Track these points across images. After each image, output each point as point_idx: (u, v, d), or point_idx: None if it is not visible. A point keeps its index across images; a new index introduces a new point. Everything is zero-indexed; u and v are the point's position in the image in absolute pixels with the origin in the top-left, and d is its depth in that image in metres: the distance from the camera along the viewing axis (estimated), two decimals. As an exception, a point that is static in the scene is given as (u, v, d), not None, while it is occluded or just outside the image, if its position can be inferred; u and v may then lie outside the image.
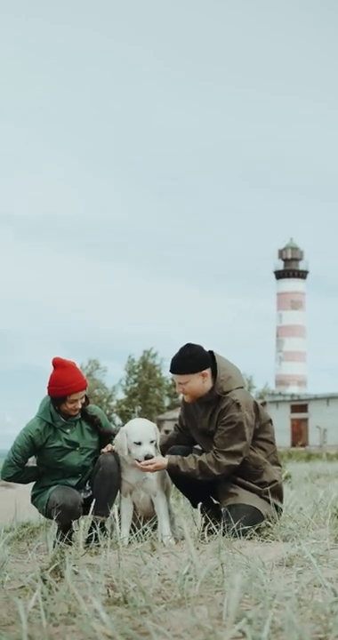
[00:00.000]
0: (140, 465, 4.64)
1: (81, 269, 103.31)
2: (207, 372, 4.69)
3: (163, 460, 4.67)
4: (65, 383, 4.76)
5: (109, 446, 4.90)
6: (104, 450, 4.89)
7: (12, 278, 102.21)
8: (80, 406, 4.85)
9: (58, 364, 4.83)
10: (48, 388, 4.84)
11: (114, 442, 4.81)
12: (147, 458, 4.62)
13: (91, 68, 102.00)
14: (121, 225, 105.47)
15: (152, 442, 4.69)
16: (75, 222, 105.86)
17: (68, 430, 4.86)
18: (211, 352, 4.78)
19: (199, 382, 4.68)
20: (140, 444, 4.66)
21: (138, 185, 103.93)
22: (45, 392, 4.91)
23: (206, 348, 4.79)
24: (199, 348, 4.72)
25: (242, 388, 4.74)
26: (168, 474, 4.81)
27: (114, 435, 4.98)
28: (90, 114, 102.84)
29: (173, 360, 4.73)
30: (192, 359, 4.66)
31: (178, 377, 4.72)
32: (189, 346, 4.73)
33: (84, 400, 4.88)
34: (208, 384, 4.70)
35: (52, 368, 4.86)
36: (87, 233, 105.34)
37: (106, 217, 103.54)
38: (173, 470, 4.67)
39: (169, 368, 4.80)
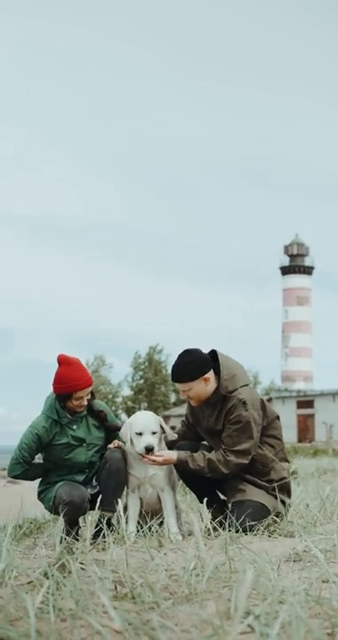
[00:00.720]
0: (148, 458, 4.64)
1: (84, 268, 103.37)
2: (209, 375, 4.67)
3: (172, 455, 4.66)
4: (70, 380, 4.76)
5: (116, 442, 4.91)
6: (111, 445, 4.89)
7: (17, 277, 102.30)
8: (86, 403, 4.85)
9: (63, 361, 4.82)
10: (53, 385, 4.84)
11: (120, 434, 4.82)
12: (147, 449, 4.63)
13: (91, 68, 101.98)
14: (121, 225, 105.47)
15: (154, 433, 4.69)
16: (75, 222, 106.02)
17: (74, 427, 4.86)
18: (213, 351, 4.76)
19: (202, 387, 4.67)
20: (140, 434, 4.67)
21: (138, 185, 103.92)
22: (51, 389, 4.91)
23: (209, 347, 4.78)
24: (198, 353, 4.69)
25: (247, 385, 4.73)
26: (176, 469, 4.81)
27: (120, 429, 4.98)
28: (90, 114, 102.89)
29: (173, 369, 4.73)
30: (191, 365, 4.65)
31: (180, 385, 4.73)
32: (187, 352, 4.70)
33: (89, 396, 4.88)
34: (211, 386, 4.69)
35: (57, 365, 4.85)
36: (88, 233, 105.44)
37: (106, 217, 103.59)
38: (181, 466, 4.66)
39: (171, 377, 4.82)
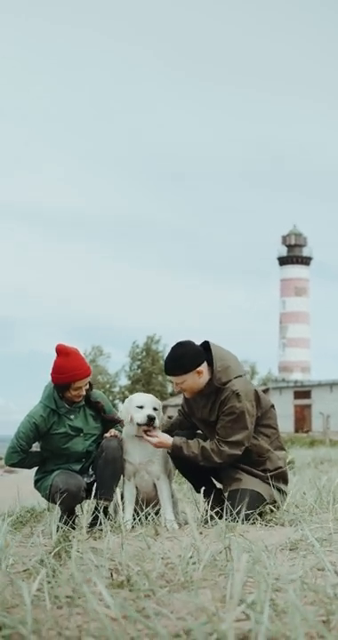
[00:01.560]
0: (146, 435, 4.66)
1: (83, 260, 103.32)
2: (202, 367, 4.67)
3: (168, 438, 4.67)
4: (69, 370, 4.76)
5: (112, 431, 4.91)
6: (107, 434, 4.90)
7: (16, 268, 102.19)
8: (84, 393, 4.85)
9: (61, 351, 4.82)
10: (52, 375, 4.84)
11: (119, 410, 4.84)
12: (150, 417, 4.66)
13: (91, 68, 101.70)
14: (121, 219, 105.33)
15: (155, 410, 4.73)
16: (76, 217, 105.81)
17: (72, 416, 4.87)
18: (206, 342, 4.76)
19: (195, 379, 4.67)
20: (142, 407, 4.71)
21: (143, 179, 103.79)
22: (49, 379, 4.91)
23: (207, 338, 4.77)
24: (191, 346, 4.68)
25: (241, 376, 4.71)
26: (171, 456, 4.82)
27: (117, 421, 4.99)
28: (90, 114, 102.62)
29: (166, 362, 4.73)
30: (184, 359, 4.64)
31: (173, 378, 4.73)
32: (179, 345, 4.70)
33: (87, 387, 4.88)
34: (205, 378, 4.69)
35: (55, 355, 4.85)
36: (88, 227, 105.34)
37: (106, 214, 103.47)
38: (176, 451, 4.68)
39: (164, 369, 4.82)
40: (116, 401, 69.55)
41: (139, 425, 4.71)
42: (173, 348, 4.70)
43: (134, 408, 4.73)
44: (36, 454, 4.99)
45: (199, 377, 4.67)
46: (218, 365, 4.66)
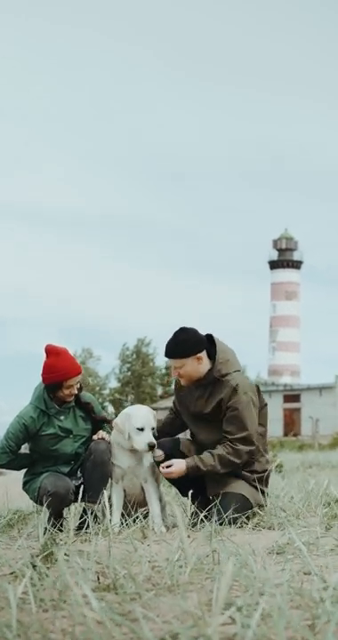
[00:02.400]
0: (164, 471, 4.62)
1: (75, 260, 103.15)
2: (202, 355, 4.67)
3: (181, 464, 4.61)
4: (60, 369, 4.76)
5: (101, 433, 4.90)
6: (95, 436, 4.89)
7: (6, 269, 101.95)
8: (76, 392, 4.85)
9: (51, 351, 4.82)
10: (43, 375, 4.83)
11: (114, 423, 4.80)
12: (150, 446, 4.61)
13: (91, 68, 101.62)
14: (115, 219, 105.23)
15: (153, 429, 4.69)
16: (72, 217, 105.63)
17: (61, 417, 4.86)
18: (209, 335, 4.78)
19: (194, 365, 4.66)
20: (142, 429, 4.63)
21: (136, 180, 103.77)
22: (39, 379, 4.90)
23: (204, 332, 4.79)
24: (193, 332, 4.70)
25: (239, 371, 4.74)
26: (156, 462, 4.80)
27: (107, 421, 4.98)
28: (90, 114, 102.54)
29: (167, 344, 4.71)
30: (186, 343, 4.65)
31: (173, 361, 4.71)
32: (182, 330, 4.71)
33: (79, 386, 4.88)
34: (204, 367, 4.69)
35: (44, 356, 4.85)
36: (81, 227, 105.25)
37: (103, 213, 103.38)
38: (193, 472, 4.60)
39: (164, 353, 4.78)
40: (106, 403, 69.46)
41: (137, 449, 4.66)
42: (176, 333, 4.70)
43: (134, 430, 4.64)
44: (26, 456, 4.98)
45: (199, 364, 4.66)
46: (220, 357, 4.67)
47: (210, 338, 4.77)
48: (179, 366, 4.68)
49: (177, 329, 4.73)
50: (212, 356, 4.72)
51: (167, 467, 4.62)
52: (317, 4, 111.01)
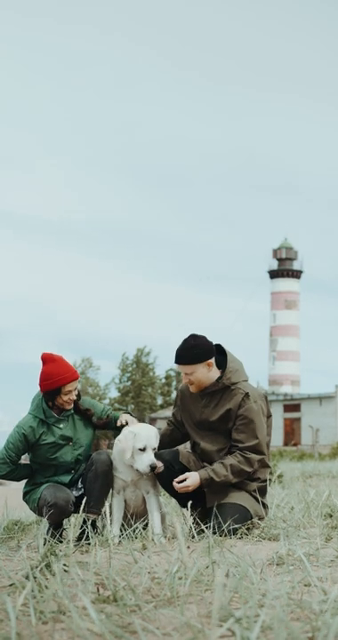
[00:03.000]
0: (177, 487, 4.58)
1: (75, 269, 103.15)
2: (212, 361, 4.70)
3: (195, 478, 4.59)
4: (58, 375, 4.77)
5: (124, 416, 4.93)
6: (121, 420, 4.90)
7: (4, 277, 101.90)
8: (74, 397, 4.85)
9: (47, 359, 4.84)
10: (40, 384, 4.84)
11: (116, 441, 4.77)
12: (152, 467, 4.59)
13: (91, 71, 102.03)
14: (110, 227, 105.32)
15: (154, 449, 4.68)
16: (74, 224, 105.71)
17: (61, 425, 4.86)
18: (218, 345, 4.80)
19: (205, 372, 4.68)
20: (144, 449, 4.62)
21: (136, 188, 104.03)
22: (36, 389, 4.91)
23: (213, 342, 4.81)
24: (203, 339, 4.73)
25: (246, 381, 4.78)
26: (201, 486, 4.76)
27: (107, 424, 4.97)
28: (91, 119, 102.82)
29: (177, 351, 4.72)
30: (197, 349, 4.67)
31: (183, 367, 4.71)
32: (193, 336, 4.73)
33: (77, 392, 4.88)
34: (213, 374, 4.71)
35: (41, 364, 4.86)
36: (86, 234, 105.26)
37: (97, 218, 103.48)
38: (207, 484, 4.60)
39: (174, 359, 4.77)
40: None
41: (139, 471, 4.65)
42: (186, 339, 4.72)
43: (136, 450, 4.62)
44: (25, 466, 4.98)
45: (209, 370, 4.68)
46: (230, 366, 4.72)
47: (219, 347, 4.80)
48: (189, 372, 4.69)
49: (187, 336, 4.75)
50: (220, 364, 4.73)
51: (180, 481, 4.60)
52: (318, 4, 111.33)
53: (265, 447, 4.67)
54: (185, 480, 4.60)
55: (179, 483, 4.61)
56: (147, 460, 4.60)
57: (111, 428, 5.01)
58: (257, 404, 4.65)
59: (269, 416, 4.85)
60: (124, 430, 4.78)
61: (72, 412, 4.91)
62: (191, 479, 4.59)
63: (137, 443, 4.63)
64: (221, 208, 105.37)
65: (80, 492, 4.86)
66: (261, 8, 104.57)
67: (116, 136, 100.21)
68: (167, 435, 5.03)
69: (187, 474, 4.62)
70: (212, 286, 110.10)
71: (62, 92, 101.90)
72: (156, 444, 4.69)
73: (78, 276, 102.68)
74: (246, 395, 4.65)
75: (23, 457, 4.97)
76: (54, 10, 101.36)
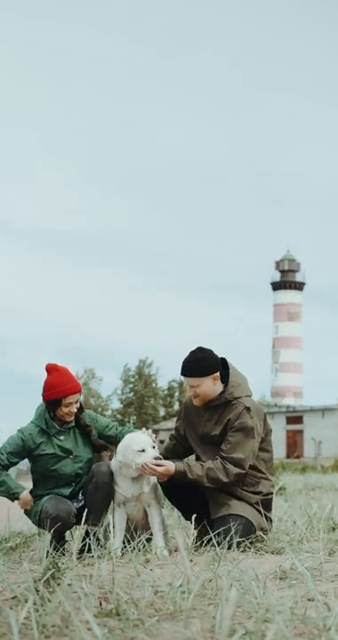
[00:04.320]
0: (148, 467, 4.59)
1: (78, 279, 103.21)
2: (218, 375, 4.72)
3: (170, 465, 4.62)
4: (59, 385, 4.78)
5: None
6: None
7: (6, 287, 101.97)
8: (75, 410, 4.84)
9: (52, 369, 4.86)
10: (43, 394, 4.85)
11: (117, 462, 4.72)
12: (157, 458, 4.60)
13: (91, 71, 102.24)
14: (111, 238, 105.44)
15: (154, 447, 4.68)
16: (74, 234, 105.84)
17: (61, 437, 4.86)
18: (222, 359, 4.82)
19: (211, 385, 4.70)
20: (143, 451, 4.62)
21: (137, 198, 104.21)
22: (39, 399, 4.91)
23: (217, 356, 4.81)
24: (210, 352, 4.76)
25: (250, 396, 4.78)
26: (166, 483, 4.77)
27: (105, 448, 4.96)
28: (91, 119, 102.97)
29: (184, 363, 4.74)
30: (204, 362, 4.69)
31: (190, 380, 4.73)
32: (200, 349, 4.76)
33: (78, 405, 4.87)
34: (218, 387, 4.73)
35: (45, 375, 4.87)
36: (86, 243, 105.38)
37: (96, 228, 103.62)
38: (179, 476, 4.61)
39: (180, 371, 4.78)
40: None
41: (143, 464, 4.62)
42: (193, 352, 4.75)
43: (136, 453, 4.61)
44: (11, 481, 4.82)
45: (214, 383, 4.70)
46: (232, 380, 4.73)
47: (223, 361, 4.81)
48: (195, 385, 4.71)
49: (194, 348, 4.77)
50: (223, 379, 4.74)
51: (157, 465, 4.59)
52: (318, 4, 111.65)
53: (247, 464, 4.64)
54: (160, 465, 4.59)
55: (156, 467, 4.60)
56: (149, 455, 4.60)
57: (112, 443, 4.99)
58: (253, 421, 4.65)
59: (267, 432, 4.84)
60: (119, 446, 4.74)
61: (73, 424, 4.90)
62: (166, 467, 4.59)
63: (135, 448, 4.61)
64: (224, 220, 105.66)
65: (81, 504, 4.85)
66: (261, 8, 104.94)
67: (116, 137, 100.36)
68: (170, 449, 5.02)
69: (164, 461, 4.62)
70: (215, 298, 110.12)
71: (62, 91, 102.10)
72: (152, 442, 4.68)
73: (80, 287, 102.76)
74: (247, 409, 4.65)
75: (26, 467, 4.93)
76: (54, 10, 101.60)
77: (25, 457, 4.87)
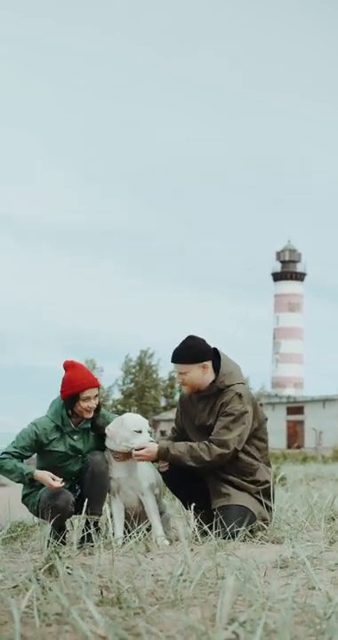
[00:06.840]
0: (137, 454, 4.62)
1: (79, 272, 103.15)
2: (208, 364, 4.72)
3: (153, 447, 4.64)
4: (77, 380, 4.77)
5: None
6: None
7: (6, 281, 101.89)
8: (94, 406, 4.80)
9: (68, 366, 4.86)
10: (61, 390, 4.83)
11: (107, 430, 4.78)
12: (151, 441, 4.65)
13: (91, 71, 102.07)
14: (113, 230, 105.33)
15: (149, 432, 4.72)
16: (75, 229, 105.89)
17: (75, 437, 4.82)
18: (215, 349, 4.81)
19: (199, 373, 4.70)
20: (140, 432, 4.67)
21: (137, 198, 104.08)
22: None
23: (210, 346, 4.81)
24: (201, 340, 4.77)
25: (243, 384, 4.78)
26: (162, 474, 4.79)
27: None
28: (91, 119, 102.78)
29: (174, 350, 4.77)
30: (193, 349, 4.70)
31: (178, 366, 4.74)
32: (191, 337, 4.78)
33: (97, 401, 4.84)
34: (208, 376, 4.72)
35: (63, 372, 4.86)
36: (87, 239, 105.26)
37: (99, 222, 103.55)
38: (163, 454, 4.64)
39: (170, 358, 4.80)
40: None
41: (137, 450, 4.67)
42: (184, 339, 4.77)
43: (131, 432, 4.66)
44: (26, 469, 4.87)
45: (203, 372, 4.70)
46: (224, 369, 4.72)
47: (215, 351, 4.80)
48: (183, 372, 4.72)
49: (186, 336, 4.79)
50: (216, 368, 4.74)
51: (140, 451, 4.63)
52: (318, 4, 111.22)
53: (232, 445, 4.62)
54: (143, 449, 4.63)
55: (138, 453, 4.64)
56: (145, 439, 4.65)
57: None
58: (244, 407, 4.65)
59: (262, 421, 4.84)
60: (114, 420, 4.81)
61: (89, 426, 4.87)
62: (149, 449, 4.62)
63: (132, 427, 4.67)
64: (224, 211, 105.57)
65: (77, 493, 4.84)
66: (261, 8, 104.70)
67: (115, 136, 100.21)
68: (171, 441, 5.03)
69: (147, 443, 4.65)
70: (215, 289, 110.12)
71: (62, 91, 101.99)
72: (148, 426, 4.75)
73: (81, 280, 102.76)
74: (238, 395, 4.66)
75: (32, 464, 4.91)
76: (54, 10, 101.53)
77: (36, 451, 4.85)
